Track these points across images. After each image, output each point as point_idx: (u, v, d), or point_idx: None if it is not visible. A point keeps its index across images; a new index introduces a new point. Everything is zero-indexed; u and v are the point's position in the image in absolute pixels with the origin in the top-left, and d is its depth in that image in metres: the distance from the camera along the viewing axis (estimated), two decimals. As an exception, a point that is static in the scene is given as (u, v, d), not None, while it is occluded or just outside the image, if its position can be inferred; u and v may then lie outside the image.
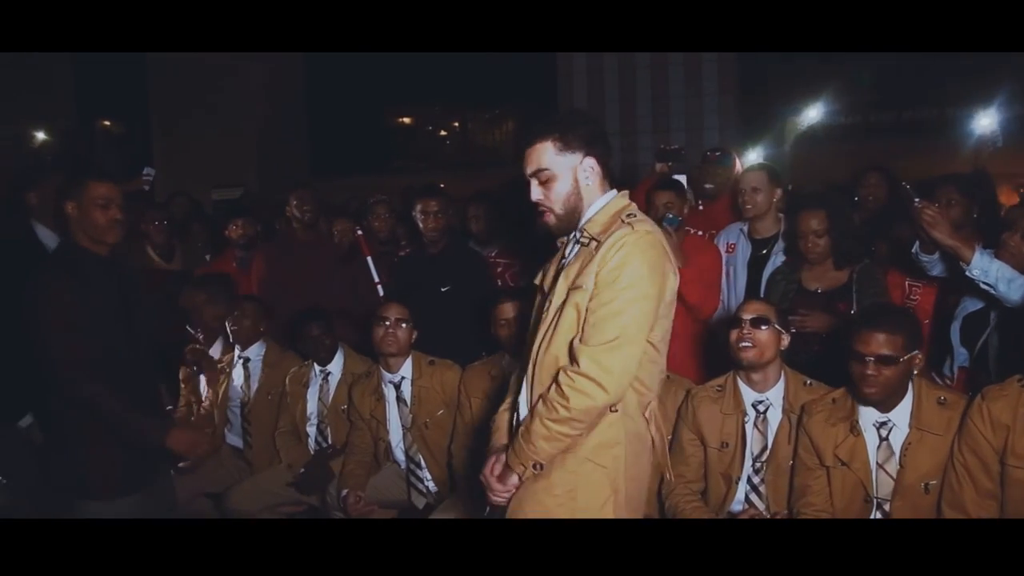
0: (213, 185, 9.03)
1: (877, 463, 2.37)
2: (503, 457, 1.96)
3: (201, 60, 8.96)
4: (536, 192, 1.97)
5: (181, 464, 2.71)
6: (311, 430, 3.61)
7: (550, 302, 1.96)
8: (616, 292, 1.81)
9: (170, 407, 4.04)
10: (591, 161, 1.95)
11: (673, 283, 1.91)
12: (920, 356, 2.34)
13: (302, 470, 3.45)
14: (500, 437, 2.09)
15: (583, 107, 7.56)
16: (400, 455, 3.31)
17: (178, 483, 3.29)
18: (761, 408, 2.61)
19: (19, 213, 3.21)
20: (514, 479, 1.93)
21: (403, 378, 3.25)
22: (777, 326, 2.57)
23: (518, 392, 2.04)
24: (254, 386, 3.73)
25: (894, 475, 2.35)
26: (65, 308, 2.43)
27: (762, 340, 2.55)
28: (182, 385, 4.02)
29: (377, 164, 9.51)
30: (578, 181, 1.95)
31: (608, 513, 1.87)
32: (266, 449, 3.66)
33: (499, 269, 3.99)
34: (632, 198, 2.03)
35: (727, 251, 3.45)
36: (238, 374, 3.76)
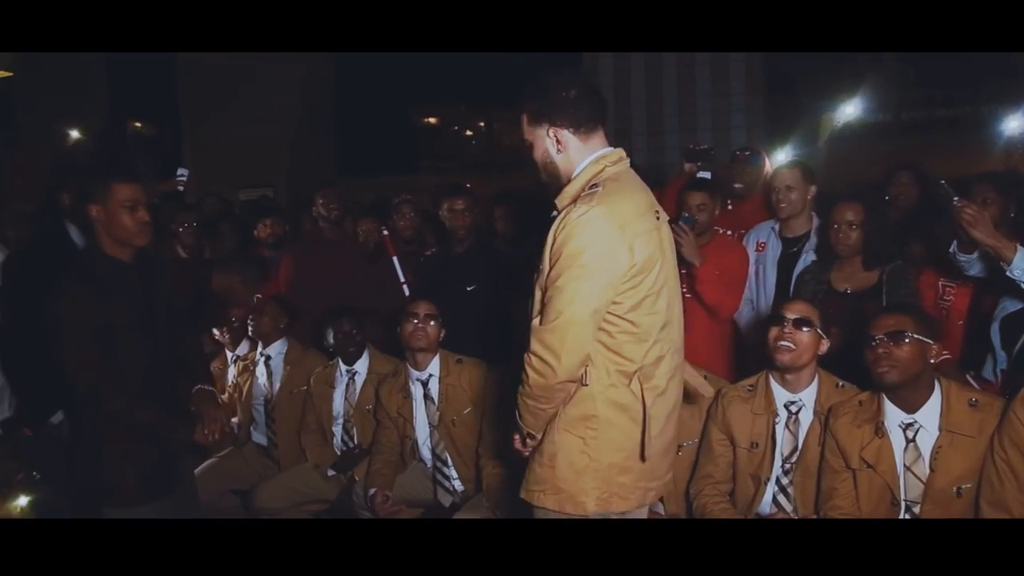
0: (241, 185, 9.12)
1: (904, 465, 2.34)
2: None
3: (230, 61, 9.05)
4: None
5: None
6: (337, 430, 3.63)
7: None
8: (559, 270, 1.85)
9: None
10: (555, 131, 1.96)
11: (626, 256, 1.84)
12: (937, 349, 2.34)
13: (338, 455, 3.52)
14: None
15: (608, 103, 7.54)
16: (427, 453, 3.32)
17: (205, 480, 3.33)
18: (793, 409, 2.58)
19: (54, 213, 3.24)
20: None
21: (431, 376, 3.25)
22: (819, 330, 2.54)
23: None
24: (276, 384, 3.76)
25: (922, 478, 2.31)
26: (86, 322, 2.35)
27: (803, 342, 2.52)
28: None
29: (403, 164, 9.53)
30: (549, 151, 1.98)
31: (587, 483, 1.94)
32: (292, 447, 3.69)
33: None
34: (661, 198, 2.03)
35: (757, 249, 3.42)
36: (261, 371, 3.79)
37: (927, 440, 2.32)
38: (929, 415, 2.33)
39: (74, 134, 10.59)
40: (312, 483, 3.54)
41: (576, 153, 1.97)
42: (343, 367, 3.61)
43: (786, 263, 3.32)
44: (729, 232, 3.58)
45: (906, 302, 2.76)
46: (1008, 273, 2.55)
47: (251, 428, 3.87)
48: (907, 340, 2.28)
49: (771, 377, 2.62)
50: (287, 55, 8.80)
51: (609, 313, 1.88)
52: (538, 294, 1.93)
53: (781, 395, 2.60)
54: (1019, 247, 2.54)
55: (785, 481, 2.57)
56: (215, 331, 3.97)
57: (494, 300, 3.45)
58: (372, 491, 3.24)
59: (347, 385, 3.61)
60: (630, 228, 1.85)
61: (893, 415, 2.37)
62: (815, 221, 3.31)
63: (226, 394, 3.90)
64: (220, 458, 3.70)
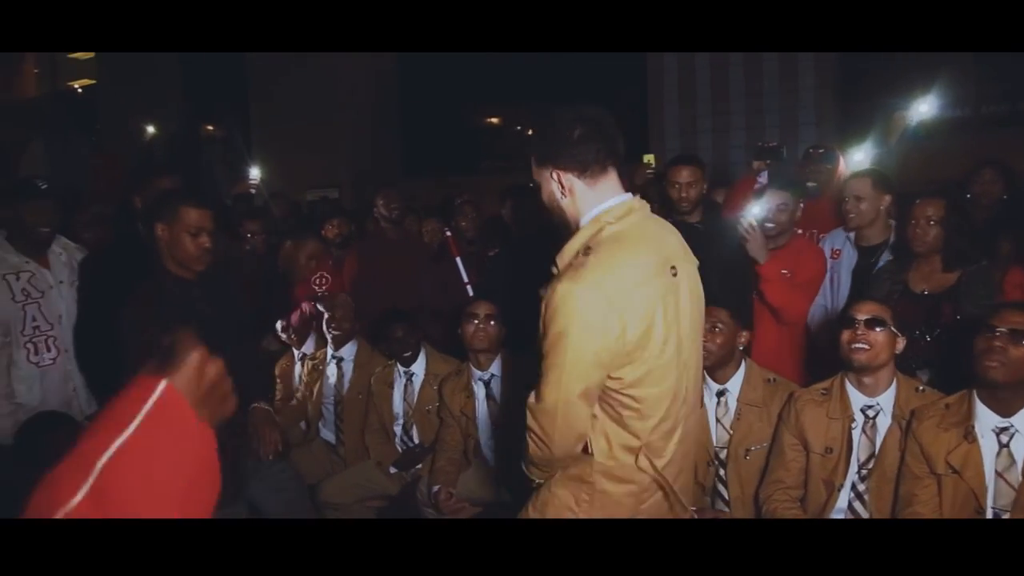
0: (308, 187, 9.33)
1: (996, 471, 2.23)
2: None
3: (298, 62, 9.26)
4: None
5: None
6: (397, 429, 3.68)
7: None
8: (546, 349, 1.73)
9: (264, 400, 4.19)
10: (559, 174, 1.79)
11: (617, 332, 1.67)
12: None
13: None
14: None
15: (672, 103, 7.44)
16: (490, 452, 3.32)
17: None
18: (871, 413, 2.49)
19: (128, 216, 3.32)
20: None
21: (492, 375, 3.26)
22: (893, 329, 2.46)
23: None
24: (346, 385, 3.82)
25: (1015, 485, 2.21)
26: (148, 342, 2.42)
27: (878, 341, 2.43)
28: (277, 380, 4.17)
29: (466, 164, 9.59)
30: (555, 195, 1.82)
31: None
32: (357, 445, 3.75)
33: None
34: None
35: (832, 256, 3.31)
36: (332, 372, 3.86)
37: (1022, 446, 2.22)
38: (1028, 420, 2.22)
39: (150, 138, 10.98)
40: (375, 479, 3.59)
41: (583, 198, 1.79)
42: (400, 368, 3.65)
43: (863, 274, 3.20)
44: (799, 231, 3.49)
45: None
46: None
47: (319, 425, 3.95)
48: None
49: (847, 381, 2.54)
50: (353, 57, 8.97)
51: (609, 389, 1.75)
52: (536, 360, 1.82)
53: (858, 399, 2.51)
54: None
55: (861, 487, 2.49)
56: (280, 331, 4.05)
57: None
58: (436, 488, 3.26)
59: (405, 386, 3.64)
60: (624, 301, 1.67)
61: (986, 419, 2.26)
62: (893, 229, 3.19)
63: (299, 394, 3.98)
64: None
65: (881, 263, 3.16)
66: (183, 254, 2.49)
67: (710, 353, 2.70)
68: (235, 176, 5.14)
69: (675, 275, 1.79)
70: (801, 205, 3.29)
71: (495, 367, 3.26)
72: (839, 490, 2.51)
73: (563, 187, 1.80)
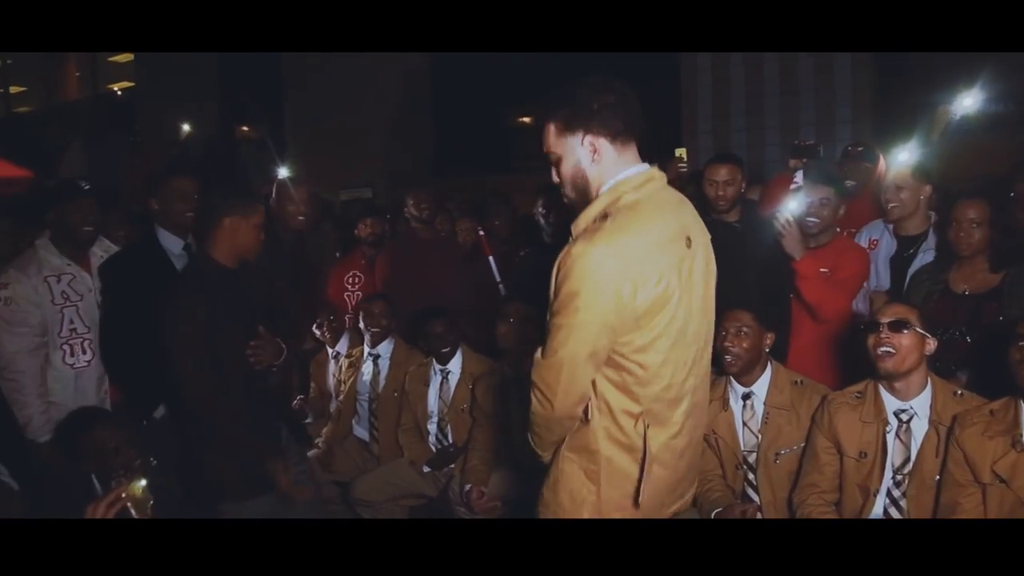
0: (342, 186, 9.41)
1: None
2: None
3: (332, 62, 9.34)
4: (553, 174, 1.89)
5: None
6: (431, 427, 3.69)
7: None
8: (556, 308, 1.73)
9: (301, 396, 4.23)
10: (592, 139, 1.79)
11: (630, 297, 1.68)
12: None
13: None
14: None
15: (705, 101, 7.37)
16: (521, 453, 3.32)
17: (311, 469, 3.43)
18: (904, 417, 2.45)
19: (145, 216, 3.31)
20: None
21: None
22: (920, 329, 2.40)
23: None
24: (382, 383, 3.84)
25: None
26: (195, 330, 2.49)
27: (904, 345, 2.38)
28: (311, 380, 4.22)
29: (499, 163, 9.59)
30: (581, 162, 1.82)
31: (583, 516, 1.85)
32: (391, 443, 3.77)
33: None
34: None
35: (869, 247, 3.27)
36: (368, 369, 3.88)
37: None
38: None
39: (186, 138, 11.15)
40: (409, 478, 3.61)
41: (611, 164, 1.80)
42: (436, 366, 3.66)
43: (902, 264, 3.17)
44: (838, 229, 3.43)
45: None
46: None
47: (353, 422, 3.97)
48: None
49: (880, 384, 2.49)
50: (386, 57, 9.02)
51: (615, 353, 1.76)
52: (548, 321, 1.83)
53: (891, 403, 2.47)
54: None
55: (897, 493, 2.44)
56: (315, 329, 4.09)
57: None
58: (468, 487, 3.27)
59: (440, 384, 3.65)
60: (637, 266, 1.68)
61: None
62: (932, 219, 3.14)
63: (337, 388, 4.01)
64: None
65: (921, 253, 3.12)
66: (248, 246, 2.67)
67: (737, 357, 2.69)
68: (265, 176, 5.18)
69: (689, 246, 1.81)
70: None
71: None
72: (875, 495, 2.47)
73: (595, 151, 1.80)
